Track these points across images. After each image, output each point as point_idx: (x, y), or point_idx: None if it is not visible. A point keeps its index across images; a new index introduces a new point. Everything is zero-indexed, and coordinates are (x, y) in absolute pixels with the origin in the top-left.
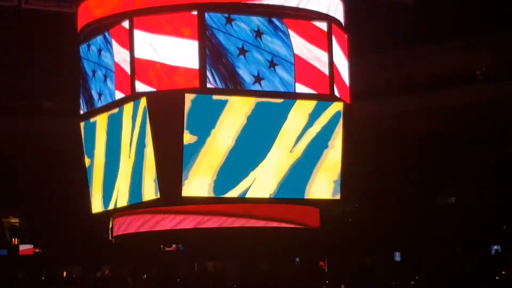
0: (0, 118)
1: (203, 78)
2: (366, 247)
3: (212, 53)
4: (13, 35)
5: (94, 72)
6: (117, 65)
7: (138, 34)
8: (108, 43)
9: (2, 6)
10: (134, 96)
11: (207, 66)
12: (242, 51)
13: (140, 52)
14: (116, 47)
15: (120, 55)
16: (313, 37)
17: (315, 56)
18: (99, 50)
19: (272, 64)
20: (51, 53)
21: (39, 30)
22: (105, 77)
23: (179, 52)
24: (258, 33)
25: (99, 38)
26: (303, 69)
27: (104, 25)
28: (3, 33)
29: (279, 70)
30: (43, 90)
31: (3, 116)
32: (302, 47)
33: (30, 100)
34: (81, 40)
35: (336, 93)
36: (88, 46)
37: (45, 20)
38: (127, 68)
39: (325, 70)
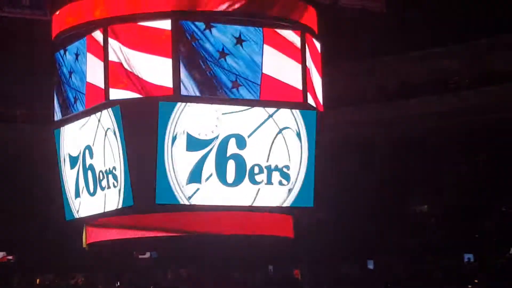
0: None
1: (176, 85)
2: (340, 255)
3: (188, 61)
4: None
5: (70, 75)
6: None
7: (112, 43)
8: (83, 49)
9: None
10: (108, 104)
11: (182, 74)
12: (223, 54)
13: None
14: (89, 56)
15: (93, 63)
16: (285, 47)
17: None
18: (76, 55)
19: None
20: (24, 60)
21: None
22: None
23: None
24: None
25: (77, 43)
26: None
27: (79, 32)
28: None
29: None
30: (17, 97)
31: None
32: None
33: (4, 107)
34: (56, 46)
35: (310, 101)
36: (65, 51)
37: (19, 26)
38: (100, 76)
39: (296, 82)
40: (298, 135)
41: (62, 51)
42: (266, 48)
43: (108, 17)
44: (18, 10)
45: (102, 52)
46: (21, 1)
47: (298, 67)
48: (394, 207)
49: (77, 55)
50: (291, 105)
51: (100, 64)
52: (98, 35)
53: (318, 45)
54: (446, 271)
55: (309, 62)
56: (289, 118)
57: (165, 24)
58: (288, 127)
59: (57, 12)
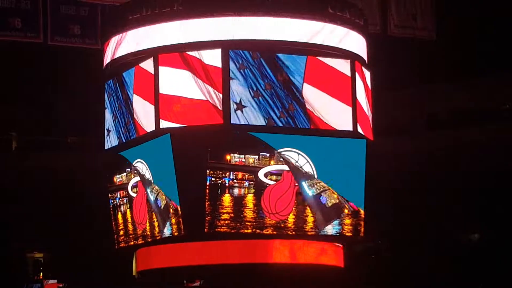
0: (25, 152)
1: (226, 114)
2: (389, 284)
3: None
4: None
5: (117, 110)
6: (137, 101)
7: (162, 70)
8: (128, 80)
9: (28, 42)
10: (159, 132)
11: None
12: (257, 93)
13: (164, 88)
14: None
15: (142, 92)
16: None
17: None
18: (124, 85)
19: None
20: (77, 88)
21: (65, 65)
22: (128, 113)
23: (203, 93)
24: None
25: (125, 74)
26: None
27: (129, 61)
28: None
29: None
30: (68, 125)
31: (28, 151)
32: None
33: (56, 134)
34: (107, 76)
35: (359, 129)
36: (113, 82)
37: (71, 55)
38: (149, 105)
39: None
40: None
41: (112, 81)
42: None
43: (158, 46)
44: (69, 39)
45: (152, 82)
46: (72, 30)
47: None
48: (444, 236)
49: (124, 85)
50: (340, 134)
51: (150, 95)
52: (148, 64)
53: (368, 74)
54: None
55: (359, 91)
56: None
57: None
58: None
59: (108, 41)
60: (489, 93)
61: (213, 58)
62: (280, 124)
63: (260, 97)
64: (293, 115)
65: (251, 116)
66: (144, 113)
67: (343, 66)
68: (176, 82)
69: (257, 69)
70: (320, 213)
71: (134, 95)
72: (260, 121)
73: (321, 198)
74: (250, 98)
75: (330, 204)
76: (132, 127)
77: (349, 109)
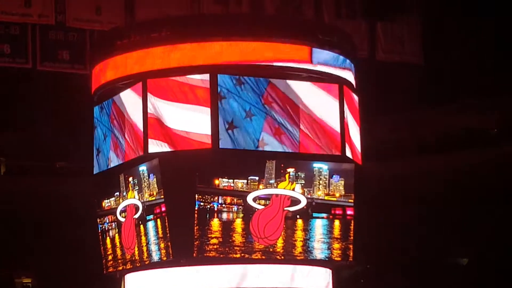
0: (12, 178)
1: (215, 139)
2: None
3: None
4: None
5: (105, 136)
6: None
7: (150, 98)
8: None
9: (17, 68)
10: (147, 157)
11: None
12: (249, 114)
13: (153, 115)
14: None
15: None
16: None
17: (324, 120)
18: (110, 112)
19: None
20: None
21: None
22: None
23: (190, 118)
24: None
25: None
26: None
27: (118, 87)
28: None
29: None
30: (56, 150)
31: (15, 176)
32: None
33: (43, 160)
34: (94, 102)
35: (348, 154)
36: (101, 108)
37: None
38: (137, 129)
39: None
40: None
41: (100, 106)
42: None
43: (146, 71)
44: (58, 64)
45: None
46: (61, 56)
47: (336, 120)
48: (432, 259)
49: (113, 111)
50: (328, 158)
51: (138, 119)
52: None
53: (356, 98)
54: None
55: (348, 115)
56: None
57: (203, 79)
58: None
59: (96, 67)
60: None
61: (201, 85)
62: (270, 148)
63: (250, 119)
64: (283, 138)
65: (241, 139)
66: (133, 138)
67: (332, 90)
68: (163, 111)
69: (246, 92)
70: None
71: (124, 119)
72: (249, 144)
73: None
74: (241, 120)
75: None
76: (119, 152)
77: (337, 133)
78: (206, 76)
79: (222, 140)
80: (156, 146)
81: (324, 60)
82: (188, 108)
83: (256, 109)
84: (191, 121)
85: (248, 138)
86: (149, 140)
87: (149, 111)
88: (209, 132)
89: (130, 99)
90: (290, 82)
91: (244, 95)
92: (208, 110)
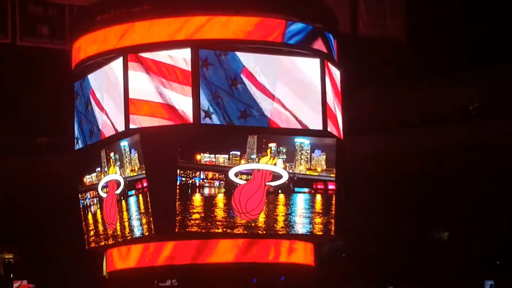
0: None
1: (196, 114)
2: (361, 283)
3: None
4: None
5: (86, 111)
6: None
7: (132, 74)
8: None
9: None
10: (128, 132)
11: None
12: (235, 82)
13: (134, 91)
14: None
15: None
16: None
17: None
18: (92, 88)
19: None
20: (46, 89)
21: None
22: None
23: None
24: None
25: (92, 76)
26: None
27: (98, 62)
28: None
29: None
30: (37, 127)
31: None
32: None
33: (24, 136)
34: (75, 76)
35: (330, 128)
36: (82, 83)
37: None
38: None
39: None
40: None
41: (80, 81)
42: (281, 77)
43: (127, 46)
44: (38, 39)
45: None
46: (41, 31)
47: (316, 95)
48: (413, 235)
49: (92, 86)
50: (310, 133)
51: (119, 94)
52: (117, 64)
53: (337, 72)
54: None
55: (329, 90)
56: None
57: (184, 54)
58: None
59: (76, 42)
60: (458, 93)
61: (182, 60)
62: (251, 124)
63: (230, 96)
64: (261, 113)
65: (221, 116)
66: (114, 113)
67: (313, 65)
68: (145, 87)
69: (225, 69)
70: None
71: (104, 94)
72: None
73: None
74: (221, 98)
75: None
76: (100, 127)
77: (319, 108)
78: (187, 51)
79: (202, 116)
80: (137, 121)
81: (303, 34)
82: (170, 85)
83: (234, 86)
84: (172, 97)
85: (229, 114)
86: (130, 115)
87: (130, 89)
88: (190, 108)
89: (110, 74)
90: (270, 56)
91: (222, 73)
92: (189, 88)
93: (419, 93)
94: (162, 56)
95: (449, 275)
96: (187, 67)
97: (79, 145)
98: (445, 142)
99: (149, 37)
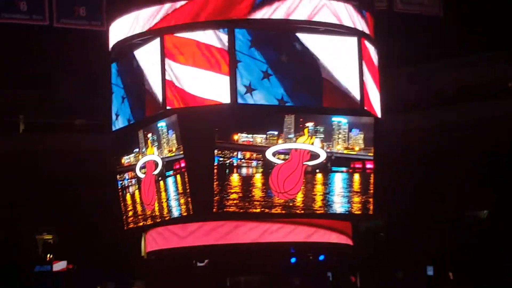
0: (33, 135)
1: (233, 94)
2: (397, 262)
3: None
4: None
5: (124, 92)
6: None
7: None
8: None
9: (35, 24)
10: (166, 113)
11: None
12: (266, 74)
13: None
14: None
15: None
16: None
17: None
18: (128, 68)
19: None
20: (83, 70)
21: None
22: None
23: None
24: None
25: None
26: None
27: (135, 43)
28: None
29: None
30: (75, 107)
31: (36, 133)
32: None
33: (63, 117)
34: (112, 58)
35: (367, 107)
36: (119, 64)
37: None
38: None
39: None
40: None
41: (117, 62)
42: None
43: (163, 27)
44: (75, 21)
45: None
46: (78, 12)
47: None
48: (452, 212)
49: (129, 68)
50: (348, 112)
51: (158, 75)
52: (154, 44)
53: (374, 50)
54: (506, 275)
55: (366, 68)
56: None
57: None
58: None
59: (114, 23)
60: (496, 70)
61: (220, 40)
62: (292, 104)
63: (270, 77)
64: (305, 93)
65: (261, 96)
66: (151, 95)
67: (350, 43)
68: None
69: (267, 49)
70: None
71: (146, 73)
72: (271, 101)
73: None
74: (259, 80)
75: None
76: (140, 107)
77: (356, 87)
78: (224, 32)
79: (243, 93)
80: (174, 102)
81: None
82: (206, 67)
83: (274, 67)
84: (209, 79)
85: (267, 97)
86: (167, 97)
87: (167, 72)
88: (227, 89)
89: (148, 55)
90: (308, 36)
91: (261, 54)
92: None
93: (456, 70)
94: (199, 36)
95: (487, 256)
96: (224, 46)
97: (117, 126)
98: (483, 119)
99: (184, 18)
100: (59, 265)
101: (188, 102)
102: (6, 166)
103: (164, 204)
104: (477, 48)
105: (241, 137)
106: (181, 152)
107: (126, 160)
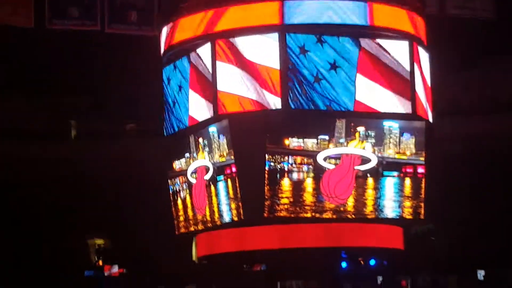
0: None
1: (285, 99)
2: (448, 266)
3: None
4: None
5: (176, 97)
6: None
7: (220, 64)
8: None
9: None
10: (217, 118)
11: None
12: (317, 79)
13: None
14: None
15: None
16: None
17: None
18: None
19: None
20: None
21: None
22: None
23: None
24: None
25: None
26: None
27: (186, 48)
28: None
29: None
30: (126, 113)
31: (86, 139)
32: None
33: (114, 122)
34: (164, 63)
35: (419, 111)
36: (173, 68)
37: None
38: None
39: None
40: None
41: (170, 67)
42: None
43: (215, 32)
44: (125, 26)
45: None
46: (129, 17)
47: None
48: (503, 217)
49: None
50: (399, 116)
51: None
52: (205, 50)
53: (426, 55)
54: None
55: (417, 73)
56: None
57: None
58: None
59: (166, 27)
60: None
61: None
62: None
63: (320, 82)
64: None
65: (310, 100)
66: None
67: (401, 47)
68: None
69: (317, 54)
70: None
71: (198, 78)
72: (319, 105)
73: None
74: (310, 83)
75: None
76: (189, 113)
77: (408, 91)
78: (275, 36)
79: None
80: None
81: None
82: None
83: (325, 71)
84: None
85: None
86: (219, 100)
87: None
88: (278, 92)
89: (199, 60)
90: (359, 40)
91: (313, 57)
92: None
93: (510, 75)
94: (250, 42)
95: None
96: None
97: (168, 131)
98: None
99: (235, 23)
100: (111, 270)
101: (243, 106)
102: (58, 171)
103: (215, 209)
104: None
105: (292, 142)
106: (232, 157)
107: (177, 165)
